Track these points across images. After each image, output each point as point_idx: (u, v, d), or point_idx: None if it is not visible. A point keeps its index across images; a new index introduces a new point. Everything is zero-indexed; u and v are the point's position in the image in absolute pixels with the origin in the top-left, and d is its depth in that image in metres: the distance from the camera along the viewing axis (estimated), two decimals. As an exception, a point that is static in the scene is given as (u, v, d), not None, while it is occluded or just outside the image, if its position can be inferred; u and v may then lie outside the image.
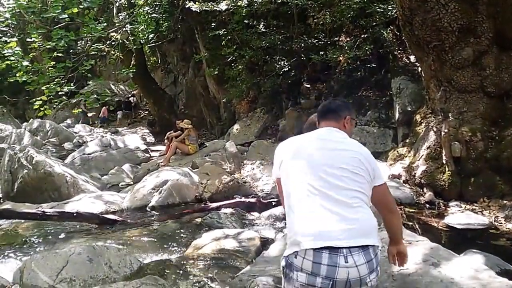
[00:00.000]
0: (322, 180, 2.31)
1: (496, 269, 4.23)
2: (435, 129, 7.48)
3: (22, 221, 6.88)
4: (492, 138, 7.02)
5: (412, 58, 9.54)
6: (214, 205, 7.51)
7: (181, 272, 4.43)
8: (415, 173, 7.46)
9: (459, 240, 5.73)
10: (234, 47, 13.31)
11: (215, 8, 12.15)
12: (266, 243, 5.44)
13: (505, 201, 6.53)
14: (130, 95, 27.41)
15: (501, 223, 6.20)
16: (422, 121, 8.13)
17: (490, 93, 7.15)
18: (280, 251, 4.31)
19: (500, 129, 7.05)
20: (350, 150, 2.40)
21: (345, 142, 2.48)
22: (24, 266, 4.28)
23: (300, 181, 2.35)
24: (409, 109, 8.91)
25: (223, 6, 12.00)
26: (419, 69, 8.71)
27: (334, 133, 2.51)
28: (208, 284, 4.08)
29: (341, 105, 2.67)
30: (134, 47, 15.67)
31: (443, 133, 7.07)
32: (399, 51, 10.19)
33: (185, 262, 4.72)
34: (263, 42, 12.15)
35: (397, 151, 8.48)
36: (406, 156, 8.14)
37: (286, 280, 2.31)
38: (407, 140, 8.52)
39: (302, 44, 11.55)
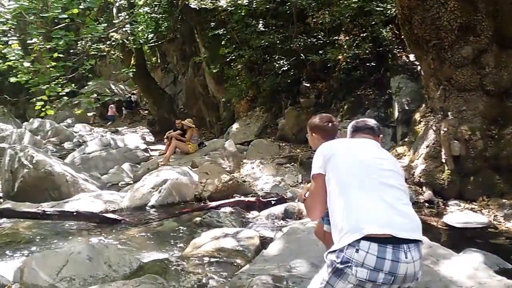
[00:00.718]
0: (378, 177, 2.42)
1: (495, 268, 4.25)
2: (434, 128, 7.48)
3: (23, 220, 6.90)
4: (491, 137, 7.02)
5: (412, 56, 9.55)
6: (213, 204, 7.52)
7: (180, 271, 4.44)
8: (414, 172, 7.47)
9: (458, 239, 5.74)
10: (234, 46, 13.32)
11: (214, 5, 12.14)
12: (265, 242, 5.45)
13: (504, 200, 6.54)
14: (131, 94, 27.47)
15: (500, 222, 6.22)
16: (421, 120, 8.14)
17: (489, 91, 7.15)
18: (279, 250, 4.32)
19: (499, 128, 7.05)
20: (392, 159, 2.65)
21: (386, 151, 2.73)
22: (24, 265, 4.30)
23: (358, 176, 2.41)
24: (408, 108, 8.91)
25: (223, 2, 11.98)
26: (419, 67, 8.72)
27: (376, 143, 2.77)
28: (207, 283, 4.10)
29: (377, 125, 3.00)
30: (134, 47, 15.68)
31: (442, 132, 7.07)
32: (398, 50, 10.20)
33: (184, 261, 4.73)
34: (262, 41, 12.15)
35: (396, 150, 8.49)
36: (405, 155, 8.14)
37: (336, 275, 2.23)
38: (406, 139, 8.53)
39: (301, 43, 11.55)
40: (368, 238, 2.18)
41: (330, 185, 2.45)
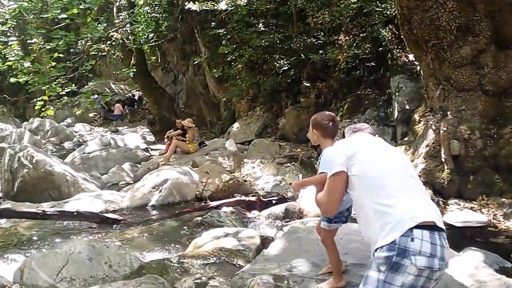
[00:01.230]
0: (405, 171, 2.53)
1: (495, 266, 4.26)
2: (434, 128, 7.49)
3: (22, 220, 6.90)
4: (490, 136, 7.03)
5: (411, 56, 9.54)
6: (214, 203, 7.54)
7: (181, 270, 4.45)
8: (414, 171, 7.46)
9: (458, 238, 5.75)
10: (234, 46, 13.32)
11: (214, 7, 12.15)
12: (266, 241, 5.46)
13: (503, 199, 6.55)
14: (134, 92, 27.49)
15: (499, 221, 6.23)
16: (421, 119, 8.14)
17: (488, 91, 7.16)
18: (280, 249, 4.32)
19: (498, 127, 7.06)
20: (402, 155, 2.79)
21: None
22: (24, 265, 4.30)
23: (391, 172, 2.48)
24: (408, 107, 8.91)
25: (222, 5, 12.00)
26: (418, 67, 8.72)
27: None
28: (208, 283, 4.11)
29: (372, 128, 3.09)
30: (134, 46, 15.67)
31: (441, 131, 7.08)
32: (398, 50, 10.18)
33: (185, 260, 4.73)
34: (263, 41, 12.16)
35: (396, 150, 8.49)
36: (405, 154, 8.15)
37: (394, 270, 2.21)
38: (406, 139, 8.53)
39: (302, 43, 11.56)
40: (420, 226, 2.21)
41: (361, 182, 2.48)
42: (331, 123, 3.19)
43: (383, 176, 2.44)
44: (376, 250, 2.28)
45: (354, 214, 6.09)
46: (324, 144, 3.19)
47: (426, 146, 7.47)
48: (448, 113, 7.30)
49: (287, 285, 3.37)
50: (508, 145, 6.84)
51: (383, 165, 2.49)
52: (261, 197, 7.89)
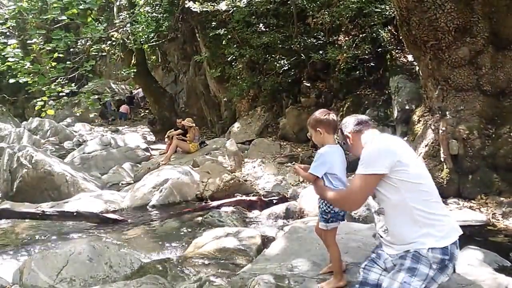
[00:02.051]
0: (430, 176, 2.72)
1: (494, 265, 4.27)
2: (433, 127, 7.51)
3: (22, 220, 6.89)
4: (488, 136, 7.06)
5: (410, 57, 9.57)
6: (215, 203, 7.54)
7: (181, 271, 4.46)
8: (413, 171, 7.47)
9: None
10: (235, 46, 13.34)
11: (215, 8, 12.17)
12: (267, 241, 5.46)
13: (502, 198, 6.59)
14: (135, 90, 27.61)
15: (498, 220, 6.25)
16: (420, 119, 8.16)
17: (486, 91, 7.19)
18: (281, 249, 4.32)
19: (496, 127, 7.09)
20: None
21: None
22: (24, 266, 4.29)
23: (427, 179, 2.65)
24: (407, 107, 8.93)
25: (222, 6, 12.02)
26: (417, 68, 8.75)
27: None
28: (209, 283, 4.11)
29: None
30: (135, 46, 15.67)
31: (440, 131, 7.10)
32: (397, 51, 10.22)
33: (185, 261, 4.74)
34: (263, 40, 12.17)
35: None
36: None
37: (441, 271, 2.46)
38: (405, 138, 8.54)
39: (302, 43, 11.59)
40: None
41: (408, 187, 2.57)
42: (330, 115, 3.21)
43: (426, 183, 2.60)
44: (428, 250, 2.47)
45: (354, 213, 6.13)
46: (328, 141, 3.18)
47: (426, 146, 7.49)
48: (447, 113, 7.32)
49: (288, 285, 3.38)
50: (506, 145, 6.88)
51: (422, 172, 2.65)
52: (262, 197, 7.88)
